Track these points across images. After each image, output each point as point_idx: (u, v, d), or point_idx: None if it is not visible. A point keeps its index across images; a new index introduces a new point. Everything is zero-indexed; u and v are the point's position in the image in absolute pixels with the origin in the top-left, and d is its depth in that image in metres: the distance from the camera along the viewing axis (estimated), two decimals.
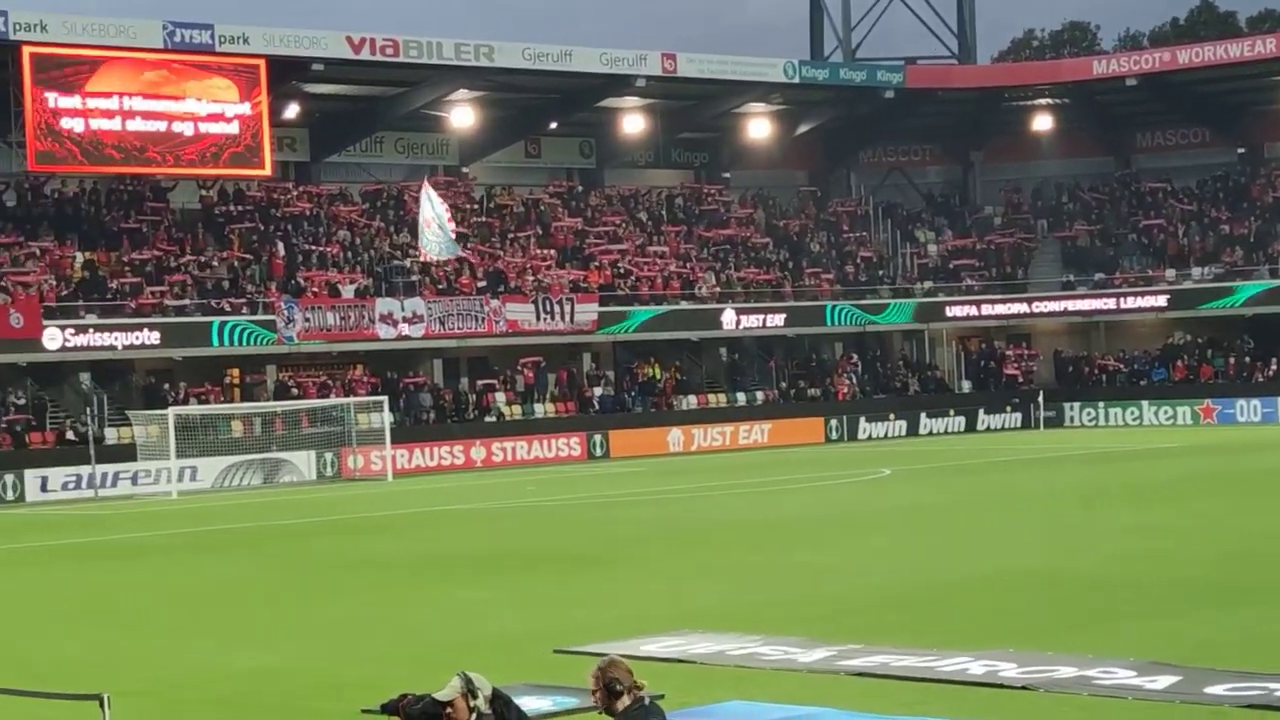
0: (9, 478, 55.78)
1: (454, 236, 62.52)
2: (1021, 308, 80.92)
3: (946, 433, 74.63)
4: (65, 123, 62.16)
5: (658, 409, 71.21)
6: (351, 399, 63.35)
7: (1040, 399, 76.66)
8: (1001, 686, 17.03)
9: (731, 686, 17.63)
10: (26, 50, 60.67)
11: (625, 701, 10.96)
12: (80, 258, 64.04)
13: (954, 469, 52.89)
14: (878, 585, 25.38)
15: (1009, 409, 77.22)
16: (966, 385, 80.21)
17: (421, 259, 65.75)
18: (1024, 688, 16.90)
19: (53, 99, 61.71)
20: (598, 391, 70.82)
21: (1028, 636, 19.81)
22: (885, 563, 28.42)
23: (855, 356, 79.25)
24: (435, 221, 61.33)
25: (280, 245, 67.89)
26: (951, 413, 76.10)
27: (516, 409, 68.35)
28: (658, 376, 72.61)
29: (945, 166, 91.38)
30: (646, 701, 10.99)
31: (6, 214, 65.50)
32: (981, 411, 76.59)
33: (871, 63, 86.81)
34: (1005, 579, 25.44)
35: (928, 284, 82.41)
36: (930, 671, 17.83)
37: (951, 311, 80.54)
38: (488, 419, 67.31)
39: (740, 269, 77.98)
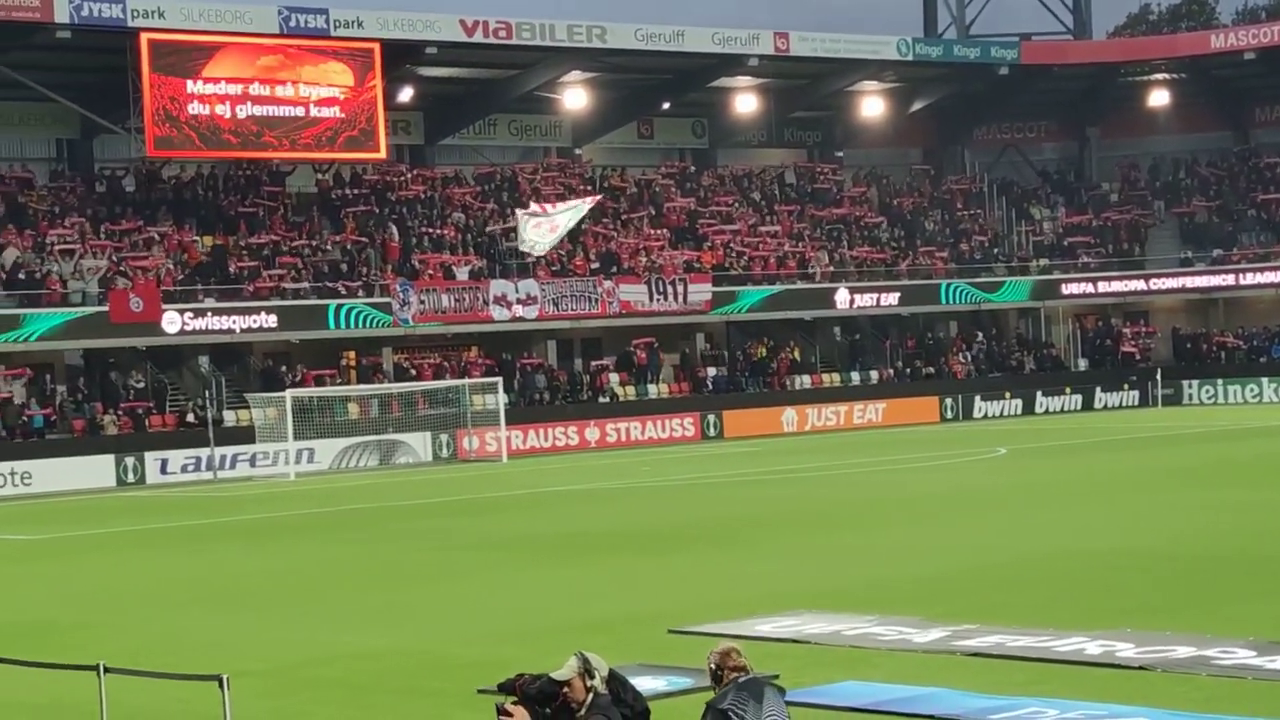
0: (129, 460, 56.43)
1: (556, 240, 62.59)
2: (1139, 285, 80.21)
3: (1063, 411, 74.13)
4: (183, 108, 62.72)
5: (771, 389, 71.14)
6: (466, 380, 63.65)
7: (1158, 377, 75.98)
8: (1119, 667, 16.94)
9: (846, 667, 17.62)
10: (145, 37, 61.25)
11: (736, 675, 11.11)
12: (199, 242, 64.63)
13: (1070, 448, 52.53)
14: (993, 565, 25.28)
15: (1126, 387, 76.55)
16: (1083, 363, 79.60)
17: (519, 247, 65.28)
18: (1141, 668, 16.81)
19: (170, 85, 62.28)
20: (711, 371, 70.82)
21: (1145, 616, 19.70)
22: (1001, 542, 28.30)
23: (980, 334, 78.78)
24: (557, 227, 61.38)
25: (395, 228, 68.25)
26: (1068, 391, 75.55)
27: (630, 389, 68.48)
28: (770, 356, 72.47)
29: (1061, 143, 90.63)
30: (741, 679, 11.06)
31: (125, 199, 66.21)
32: (1098, 390, 75.97)
33: (986, 39, 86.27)
34: (1122, 558, 25.28)
35: (1043, 261, 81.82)
36: (1046, 651, 17.76)
37: (1068, 289, 79.93)
38: (601, 400, 67.50)
39: (853, 247, 77.74)
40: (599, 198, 67.91)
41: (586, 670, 11.25)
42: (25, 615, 25.28)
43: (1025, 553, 26.58)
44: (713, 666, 11.21)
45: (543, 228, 61.67)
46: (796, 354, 73.23)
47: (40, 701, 17.19)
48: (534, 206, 63.45)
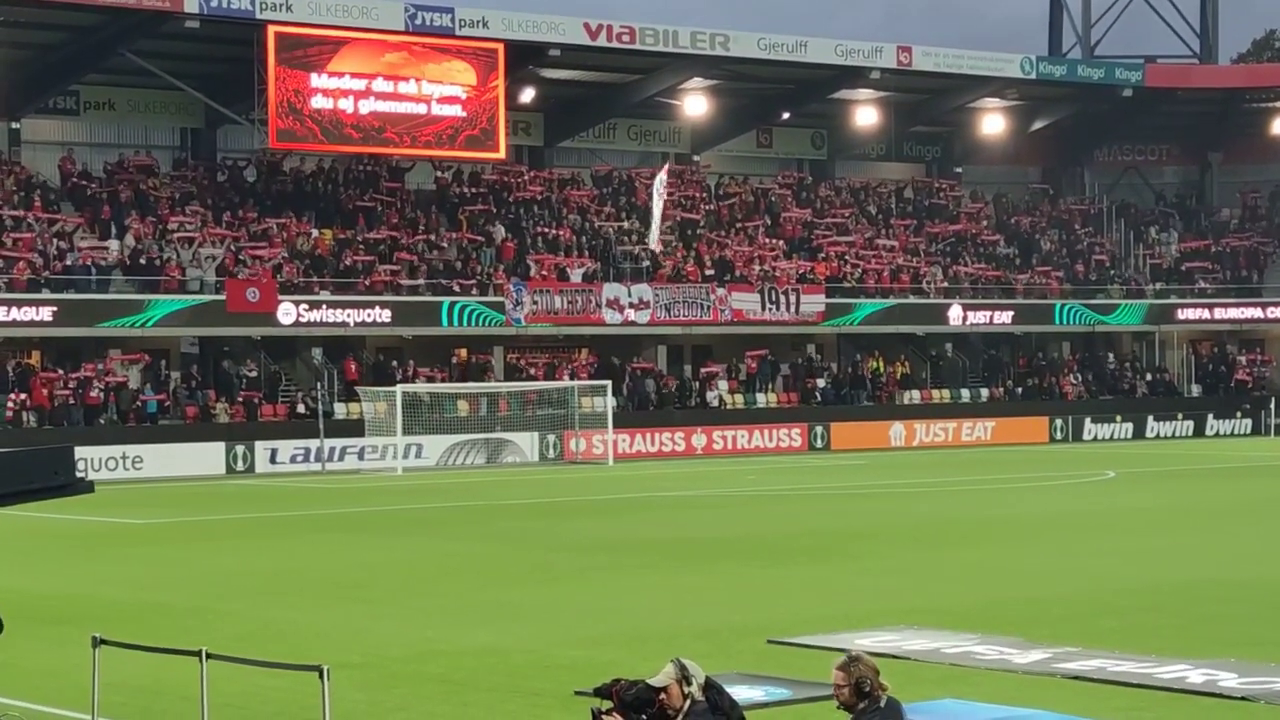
0: (239, 449, 56.97)
1: (658, 230, 62.49)
2: (1255, 312, 79.48)
3: (1174, 436, 73.53)
4: (306, 101, 63.21)
5: (880, 402, 70.95)
6: (576, 382, 63.80)
7: (1272, 405, 75.23)
8: (1220, 696, 16.78)
9: (945, 685, 17.55)
10: (271, 29, 61.76)
11: (865, 704, 10.93)
12: (316, 235, 65.11)
13: (1180, 473, 52.09)
14: (1097, 588, 25.10)
15: (1239, 415, 75.87)
16: (1196, 389, 78.95)
17: (651, 246, 65.74)
18: (1244, 698, 16.65)
19: (295, 78, 62.79)
20: (820, 383, 70.68)
21: (1250, 647, 19.50)
22: (1106, 566, 28.08)
23: (1109, 354, 78.22)
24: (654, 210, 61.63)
25: (504, 228, 68.48)
26: (1180, 416, 74.95)
27: (739, 398, 68.48)
28: (881, 370, 72.31)
29: (1182, 167, 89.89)
30: (882, 703, 10.96)
31: (246, 189, 66.80)
32: (1210, 416, 75.33)
33: (1110, 60, 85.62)
34: (1229, 587, 25.04)
35: (1159, 285, 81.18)
36: (1148, 678, 17.63)
37: (1183, 314, 79.25)
38: (710, 406, 67.51)
39: (969, 264, 77.38)
40: (665, 167, 67.61)
41: (684, 677, 11.27)
42: (132, 598, 25.57)
43: (1131, 578, 26.38)
44: (856, 679, 10.97)
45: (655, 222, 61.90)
46: (907, 369, 73.00)
47: (143, 684, 17.37)
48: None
